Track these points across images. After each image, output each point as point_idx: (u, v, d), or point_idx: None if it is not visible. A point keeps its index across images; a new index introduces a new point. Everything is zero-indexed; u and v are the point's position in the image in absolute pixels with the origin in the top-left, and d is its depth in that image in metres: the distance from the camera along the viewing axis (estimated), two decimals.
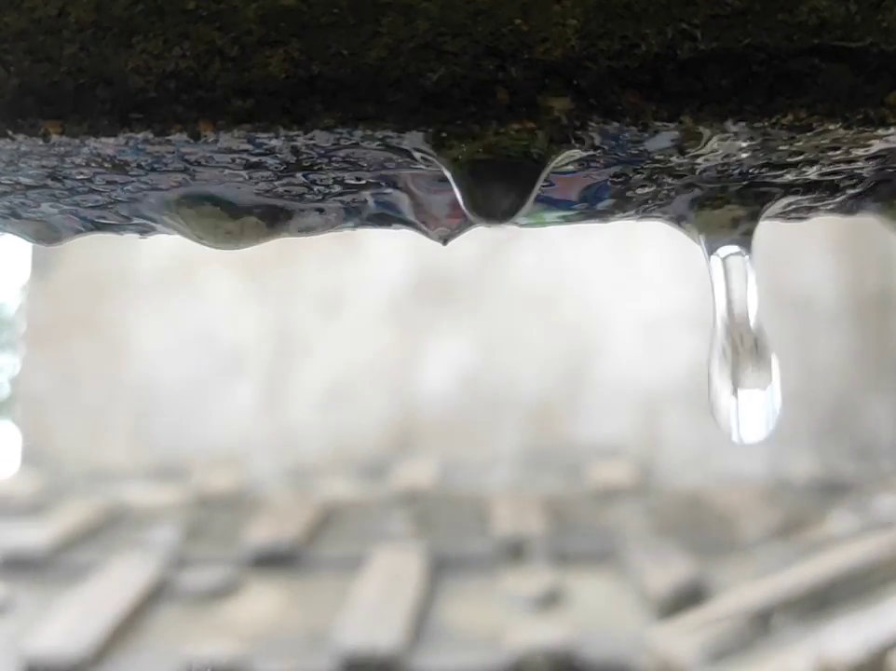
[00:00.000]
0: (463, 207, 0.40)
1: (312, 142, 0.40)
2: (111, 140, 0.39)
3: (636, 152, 0.41)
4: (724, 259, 0.47)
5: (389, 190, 0.44)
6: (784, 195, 0.46)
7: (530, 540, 3.80)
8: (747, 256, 0.47)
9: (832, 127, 0.39)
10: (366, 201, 0.46)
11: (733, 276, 0.47)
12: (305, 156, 0.41)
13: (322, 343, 5.12)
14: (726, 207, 0.46)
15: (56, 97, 0.39)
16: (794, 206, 0.48)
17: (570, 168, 0.42)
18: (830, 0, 0.38)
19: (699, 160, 0.42)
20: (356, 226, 0.48)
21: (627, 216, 0.48)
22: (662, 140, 0.40)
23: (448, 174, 0.40)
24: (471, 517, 4.22)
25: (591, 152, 0.41)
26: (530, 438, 4.99)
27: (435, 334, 5.09)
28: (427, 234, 0.47)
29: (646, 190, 0.45)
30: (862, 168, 0.43)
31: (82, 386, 5.18)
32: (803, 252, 5.08)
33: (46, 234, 0.48)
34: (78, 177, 0.43)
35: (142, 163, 0.41)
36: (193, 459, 4.94)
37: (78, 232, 0.49)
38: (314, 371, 5.10)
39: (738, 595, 2.94)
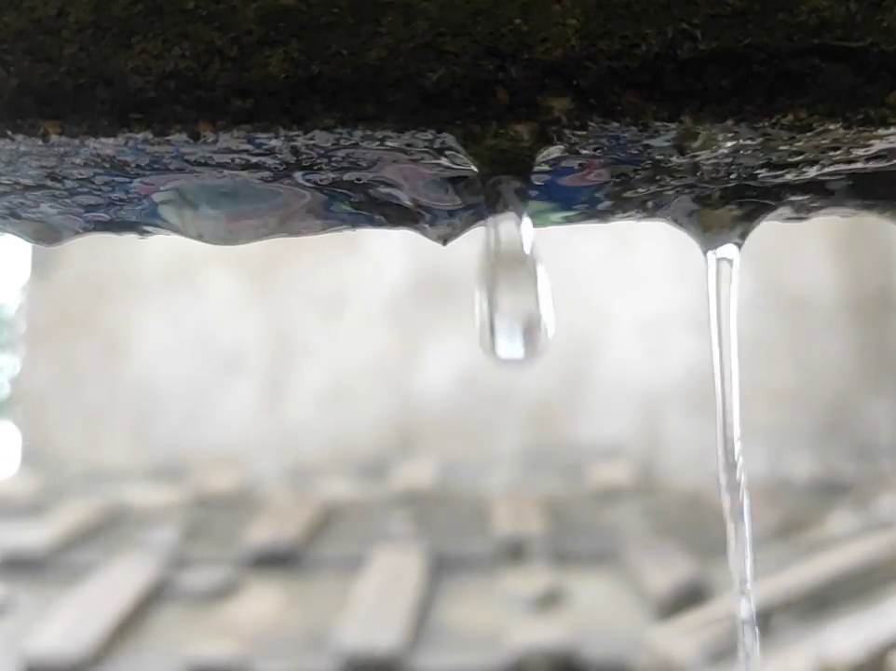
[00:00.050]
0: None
1: (312, 142, 0.40)
2: (110, 140, 0.39)
3: (636, 152, 0.41)
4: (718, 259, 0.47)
5: (389, 190, 0.44)
6: (785, 195, 0.46)
7: (530, 540, 3.80)
8: (737, 256, 0.47)
9: (832, 127, 0.39)
10: (366, 201, 0.46)
11: (724, 275, 0.47)
12: (304, 156, 0.41)
13: (322, 343, 5.12)
14: (727, 207, 0.46)
15: (55, 97, 0.39)
16: (794, 206, 0.48)
17: (570, 168, 0.42)
18: (830, 0, 0.38)
19: (700, 160, 0.42)
20: (355, 227, 0.48)
21: (627, 216, 0.48)
22: (662, 140, 0.40)
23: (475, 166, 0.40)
24: (471, 517, 4.22)
25: (592, 152, 0.41)
26: (530, 438, 4.99)
27: (435, 334, 5.09)
28: (426, 234, 0.47)
29: (647, 190, 0.45)
30: (863, 168, 0.43)
31: (82, 386, 5.18)
32: (802, 251, 5.08)
33: (45, 234, 0.48)
34: (78, 177, 0.43)
35: (142, 163, 0.41)
36: (193, 459, 4.95)
37: (78, 232, 0.48)
38: (314, 371, 5.10)
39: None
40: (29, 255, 5.42)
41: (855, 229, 4.91)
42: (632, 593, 3.35)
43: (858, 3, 0.38)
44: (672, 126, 0.39)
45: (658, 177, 0.44)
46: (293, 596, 3.47)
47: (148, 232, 0.48)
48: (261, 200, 0.45)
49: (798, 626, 2.60)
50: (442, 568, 3.58)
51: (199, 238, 0.46)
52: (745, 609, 0.48)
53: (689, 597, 3.13)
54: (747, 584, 0.47)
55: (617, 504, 4.39)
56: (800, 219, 0.50)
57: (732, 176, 0.44)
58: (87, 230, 0.48)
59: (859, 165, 0.43)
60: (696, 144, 0.40)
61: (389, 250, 5.06)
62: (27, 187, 0.44)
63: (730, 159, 0.42)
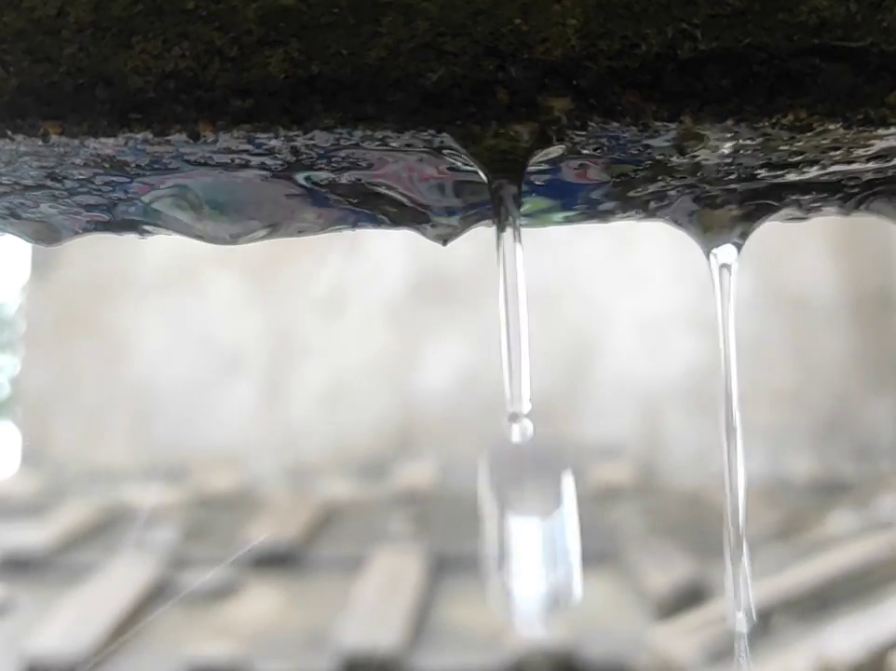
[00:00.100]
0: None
1: (312, 142, 0.40)
2: (110, 140, 0.39)
3: (636, 152, 0.41)
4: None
5: (389, 191, 0.44)
6: (785, 195, 0.46)
7: None
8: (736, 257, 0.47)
9: (832, 127, 0.39)
10: (366, 202, 0.46)
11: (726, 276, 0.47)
12: (304, 156, 0.41)
13: (322, 343, 5.12)
14: (727, 207, 0.46)
15: (55, 97, 0.39)
16: (794, 206, 0.48)
17: (570, 168, 0.42)
18: (830, 0, 0.38)
19: (700, 160, 0.42)
20: (355, 227, 0.48)
21: (628, 216, 0.48)
22: (662, 140, 0.40)
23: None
24: (471, 517, 4.21)
25: (592, 152, 0.41)
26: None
27: (435, 334, 5.09)
28: (426, 234, 0.47)
29: (647, 190, 0.45)
30: (863, 168, 0.43)
31: (82, 386, 5.18)
32: (802, 251, 5.08)
33: (45, 234, 0.48)
34: (78, 177, 0.43)
35: (142, 163, 0.41)
36: (193, 459, 4.94)
37: (78, 232, 0.48)
38: (314, 371, 5.10)
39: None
40: (29, 255, 5.42)
41: (855, 229, 4.91)
42: (632, 593, 3.35)
43: (858, 3, 0.38)
44: (672, 126, 0.39)
45: (658, 177, 0.44)
46: (293, 596, 3.47)
47: (148, 232, 0.48)
48: (260, 200, 0.45)
49: (798, 626, 2.60)
50: (442, 568, 3.58)
51: (199, 238, 0.46)
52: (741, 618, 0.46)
53: (689, 597, 3.13)
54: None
55: (617, 504, 4.39)
56: (800, 219, 0.50)
57: (732, 177, 0.44)
58: (87, 230, 0.48)
59: (859, 165, 0.43)
60: (696, 144, 0.40)
61: (389, 250, 5.06)
62: (27, 187, 0.44)
63: (730, 160, 0.42)
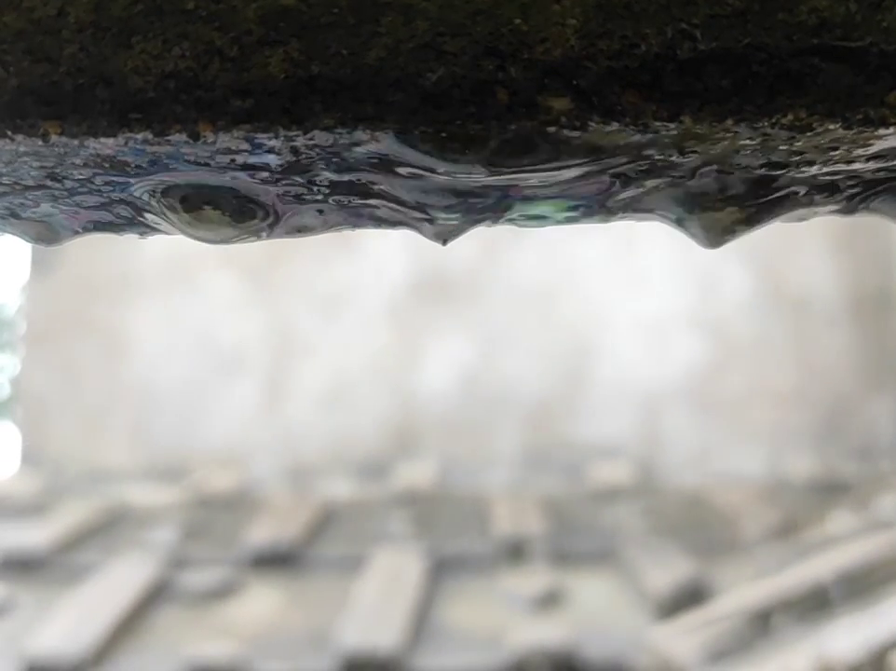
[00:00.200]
0: None
1: (312, 142, 0.40)
2: (110, 140, 0.39)
3: (636, 152, 0.41)
4: None
5: (389, 190, 0.44)
6: (785, 195, 0.46)
7: (530, 540, 3.80)
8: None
9: (832, 127, 0.39)
10: (366, 201, 0.46)
11: None
12: (304, 156, 0.41)
13: (322, 343, 5.12)
14: (727, 208, 0.46)
15: (55, 97, 0.39)
16: (795, 208, 0.48)
17: (570, 168, 0.42)
18: (830, 0, 0.38)
19: (700, 160, 0.42)
20: (355, 226, 0.48)
21: (627, 216, 0.48)
22: (662, 140, 0.40)
23: None
24: (471, 517, 4.22)
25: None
26: (530, 438, 4.99)
27: (435, 334, 5.09)
28: (426, 234, 0.47)
29: (647, 190, 0.45)
30: (863, 168, 0.43)
31: (82, 386, 5.18)
32: (802, 251, 5.08)
33: (45, 234, 0.48)
34: (78, 177, 0.43)
35: (142, 163, 0.41)
36: (193, 459, 4.94)
37: (78, 232, 0.48)
38: (314, 371, 5.10)
39: (738, 595, 2.94)
40: (29, 255, 5.42)
41: (855, 229, 4.91)
42: (632, 593, 3.35)
43: (858, 3, 0.38)
44: (672, 126, 0.39)
45: (658, 177, 0.44)
46: (293, 596, 3.47)
47: (148, 232, 0.48)
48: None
49: (798, 626, 2.60)
50: (442, 568, 3.58)
51: (198, 238, 0.46)
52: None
53: (689, 597, 3.13)
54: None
55: (617, 504, 4.39)
56: (800, 219, 0.50)
57: (732, 176, 0.44)
58: (87, 230, 0.48)
59: (859, 165, 0.43)
60: (696, 144, 0.40)
61: (389, 250, 5.06)
62: (27, 187, 0.44)
63: (730, 160, 0.42)
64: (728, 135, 0.40)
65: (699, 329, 5.04)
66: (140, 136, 0.39)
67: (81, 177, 0.43)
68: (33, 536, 3.91)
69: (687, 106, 0.39)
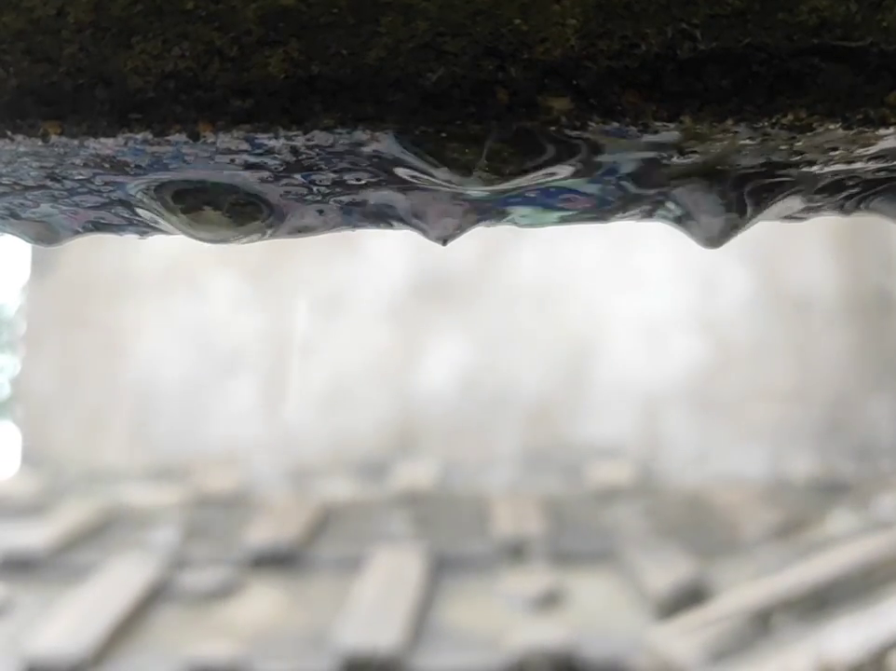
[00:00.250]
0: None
1: (311, 142, 0.40)
2: (110, 140, 0.39)
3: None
4: None
5: (389, 190, 0.44)
6: (785, 194, 0.46)
7: (530, 540, 3.80)
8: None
9: (832, 127, 0.39)
10: (366, 202, 0.46)
11: None
12: (304, 156, 0.41)
13: (322, 343, 5.12)
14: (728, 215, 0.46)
15: (55, 97, 0.39)
16: (794, 206, 0.48)
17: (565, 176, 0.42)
18: (830, 0, 0.38)
19: (700, 161, 0.42)
20: (355, 227, 0.48)
21: (627, 216, 0.48)
22: (662, 140, 0.40)
23: None
24: (471, 517, 4.22)
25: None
26: (530, 438, 4.99)
27: (435, 334, 5.09)
28: (426, 234, 0.47)
29: (647, 191, 0.45)
30: (863, 168, 0.43)
31: (82, 386, 5.18)
32: (802, 251, 5.08)
33: (45, 235, 0.48)
34: (77, 178, 0.43)
35: (142, 163, 0.41)
36: (193, 459, 4.94)
37: (78, 232, 0.48)
38: (314, 371, 5.10)
39: (738, 595, 2.94)
40: (29, 255, 5.42)
41: (855, 229, 4.91)
42: (632, 593, 3.35)
43: (858, 3, 0.38)
44: (672, 126, 0.39)
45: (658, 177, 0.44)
46: (293, 596, 3.47)
47: (148, 232, 0.48)
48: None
49: (798, 626, 2.60)
50: (442, 568, 3.58)
51: (198, 238, 0.46)
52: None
53: (689, 597, 3.13)
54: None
55: (617, 504, 4.39)
56: (800, 219, 0.50)
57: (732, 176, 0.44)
58: (87, 230, 0.48)
59: (859, 165, 0.43)
60: (696, 144, 0.40)
61: (389, 250, 5.06)
62: (27, 188, 0.44)
63: (730, 160, 0.42)
64: (728, 135, 0.40)
65: (698, 329, 5.04)
66: (140, 136, 0.39)
67: (81, 177, 0.43)
68: (32, 536, 3.91)
69: (687, 106, 0.39)
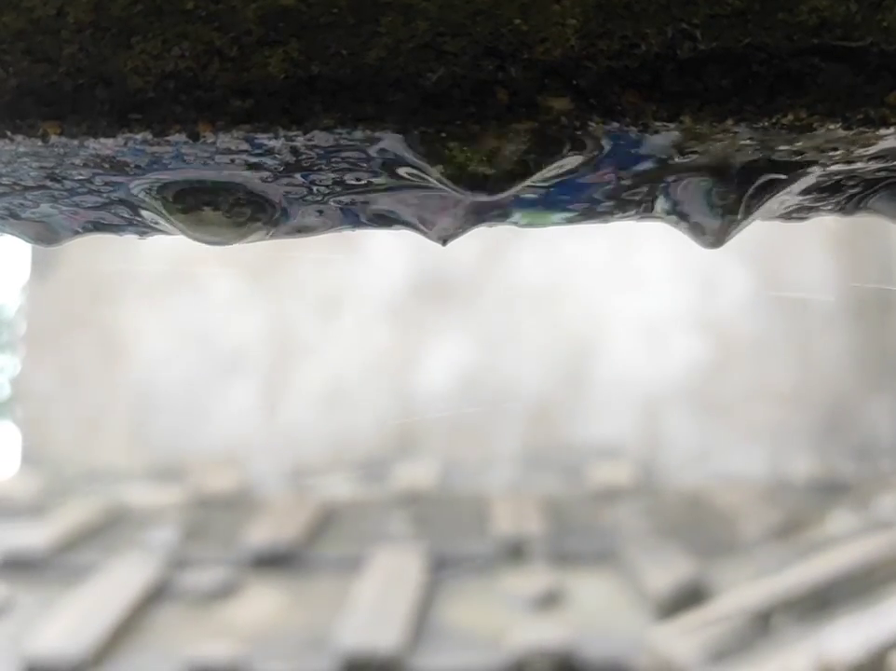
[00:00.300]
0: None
1: (311, 142, 0.40)
2: (110, 140, 0.39)
3: (636, 152, 0.41)
4: None
5: (389, 190, 0.44)
6: (784, 194, 0.46)
7: (530, 540, 3.80)
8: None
9: (832, 127, 0.39)
10: (366, 202, 0.46)
11: None
12: (304, 156, 0.41)
13: (322, 343, 5.12)
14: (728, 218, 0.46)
15: (55, 97, 0.39)
16: (794, 206, 0.48)
17: (570, 168, 0.42)
18: (830, 0, 0.38)
19: (700, 161, 0.42)
20: (355, 227, 0.48)
21: (627, 216, 0.48)
22: (662, 140, 0.40)
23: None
24: (471, 517, 4.22)
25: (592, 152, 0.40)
26: (530, 438, 4.99)
27: (435, 334, 5.09)
28: (426, 234, 0.47)
29: (647, 190, 0.45)
30: (863, 168, 0.43)
31: (82, 386, 5.18)
32: (802, 251, 5.08)
33: (45, 235, 0.48)
34: (77, 178, 0.43)
35: (142, 164, 0.41)
36: (192, 460, 4.94)
37: (77, 233, 0.48)
38: (314, 371, 5.10)
39: (738, 595, 2.94)
40: (29, 255, 5.42)
41: (855, 229, 4.91)
42: (632, 593, 3.35)
43: (858, 3, 0.38)
44: (672, 126, 0.39)
45: (658, 177, 0.44)
46: (293, 597, 3.47)
47: (148, 232, 0.48)
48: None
49: (798, 626, 2.60)
50: (442, 568, 3.58)
51: (197, 239, 0.46)
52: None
53: (689, 597, 3.13)
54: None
55: (617, 504, 4.39)
56: (800, 219, 0.50)
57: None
58: (87, 230, 0.48)
59: (859, 165, 0.43)
60: (696, 144, 0.40)
61: (389, 250, 5.06)
62: (27, 188, 0.44)
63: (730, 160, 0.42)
64: (728, 135, 0.40)
65: (698, 329, 5.04)
66: (139, 136, 0.39)
67: (81, 177, 0.43)
68: (33, 536, 3.91)
69: (687, 106, 0.39)
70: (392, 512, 4.30)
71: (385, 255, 5.08)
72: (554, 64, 0.38)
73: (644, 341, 5.05)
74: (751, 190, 0.43)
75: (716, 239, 0.46)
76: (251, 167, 0.42)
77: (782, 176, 0.43)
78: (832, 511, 3.92)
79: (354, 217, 0.47)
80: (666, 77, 0.38)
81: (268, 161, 0.41)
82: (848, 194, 0.47)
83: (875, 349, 5.08)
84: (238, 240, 0.46)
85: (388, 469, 4.88)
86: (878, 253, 5.13)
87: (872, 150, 0.41)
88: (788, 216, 0.49)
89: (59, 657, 2.87)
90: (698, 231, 0.46)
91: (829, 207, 0.48)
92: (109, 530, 4.16)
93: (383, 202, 0.45)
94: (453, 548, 3.78)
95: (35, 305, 5.43)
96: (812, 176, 0.44)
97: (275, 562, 3.74)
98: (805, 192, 0.46)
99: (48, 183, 0.43)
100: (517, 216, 0.47)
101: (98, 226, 0.48)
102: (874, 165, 0.43)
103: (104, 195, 0.44)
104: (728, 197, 0.43)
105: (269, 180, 0.43)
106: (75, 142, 0.39)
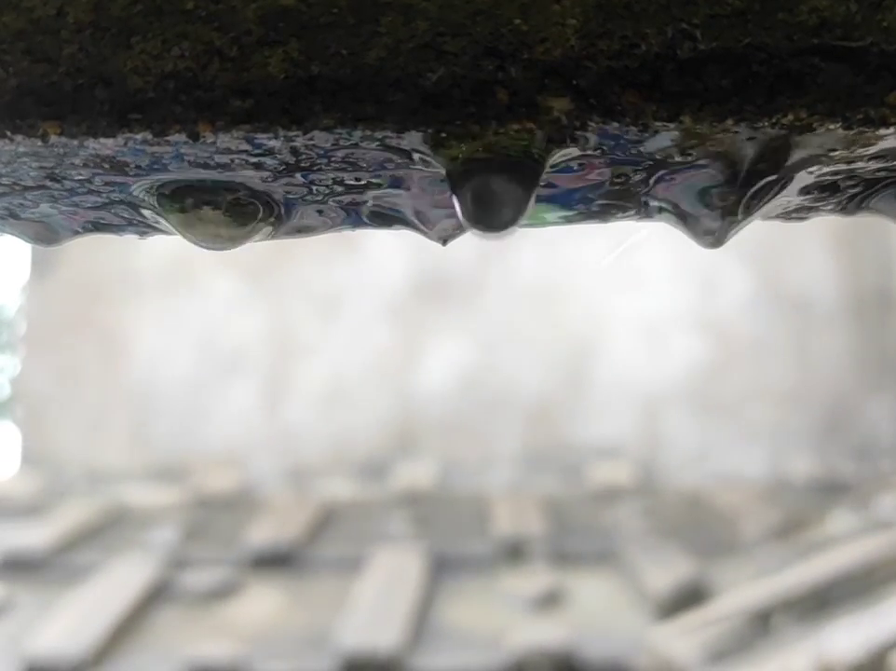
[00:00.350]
0: (461, 217, 0.39)
1: (311, 142, 0.40)
2: (110, 141, 0.39)
3: (636, 152, 0.41)
4: None
5: (389, 190, 0.44)
6: (783, 194, 0.46)
7: (530, 540, 3.80)
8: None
9: (832, 127, 0.39)
10: (366, 202, 0.46)
11: None
12: (304, 156, 0.41)
13: (322, 343, 5.12)
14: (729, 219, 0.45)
15: (55, 97, 0.39)
16: (794, 206, 0.48)
17: (570, 168, 0.42)
18: (830, 0, 0.38)
19: (700, 160, 0.42)
20: (355, 227, 0.48)
21: (627, 216, 0.48)
22: (662, 140, 0.40)
23: (447, 181, 0.39)
24: (471, 517, 4.22)
25: (592, 152, 0.40)
26: (530, 438, 4.99)
27: (435, 334, 5.09)
28: (426, 234, 0.47)
29: (646, 190, 0.45)
30: (863, 168, 0.43)
31: (82, 386, 5.18)
32: (802, 251, 5.08)
33: (45, 235, 0.48)
34: (77, 178, 0.43)
35: (142, 164, 0.41)
36: (193, 460, 4.95)
37: (77, 233, 0.48)
38: (314, 371, 5.10)
39: (738, 595, 2.94)
40: (29, 256, 5.42)
41: (855, 229, 4.91)
42: (632, 593, 3.35)
43: (858, 3, 0.38)
44: (672, 126, 0.39)
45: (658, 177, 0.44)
46: (293, 596, 3.47)
47: (148, 232, 0.48)
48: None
49: (798, 626, 2.60)
50: (442, 568, 3.58)
51: (199, 240, 0.46)
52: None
53: (689, 597, 3.13)
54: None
55: (617, 504, 4.39)
56: (800, 219, 0.50)
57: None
58: (86, 230, 0.48)
59: (859, 165, 0.43)
60: (696, 144, 0.40)
61: (389, 250, 5.06)
62: (26, 188, 0.44)
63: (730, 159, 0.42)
64: (728, 135, 0.40)
65: (698, 329, 5.04)
66: (139, 136, 0.39)
67: (80, 177, 0.43)
68: (33, 536, 3.91)
69: (687, 106, 0.39)
70: (392, 512, 4.30)
71: (385, 255, 5.08)
72: (554, 64, 0.38)
73: (645, 341, 5.05)
74: (751, 191, 0.43)
75: (716, 240, 0.46)
76: (251, 167, 0.42)
77: (782, 177, 0.43)
78: (832, 511, 3.92)
79: (354, 217, 0.47)
80: (666, 77, 0.38)
81: (268, 161, 0.41)
82: (849, 194, 0.47)
83: (875, 349, 5.08)
84: (238, 240, 0.45)
85: (388, 469, 4.88)
86: (878, 253, 5.13)
87: (872, 150, 0.41)
88: (788, 216, 0.49)
89: (59, 657, 2.87)
90: (698, 231, 0.46)
91: (829, 207, 0.48)
92: (109, 530, 4.16)
93: (383, 202, 0.45)
94: (453, 548, 3.78)
95: (35, 305, 5.43)
96: (812, 176, 0.44)
97: (275, 562, 3.74)
98: (805, 192, 0.46)
99: (48, 183, 0.43)
100: None
101: (98, 226, 0.48)
102: (874, 165, 0.43)
103: (104, 195, 0.44)
104: (728, 197, 0.43)
105: (269, 180, 0.43)
106: (75, 142, 0.39)
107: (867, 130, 0.39)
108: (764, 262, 5.00)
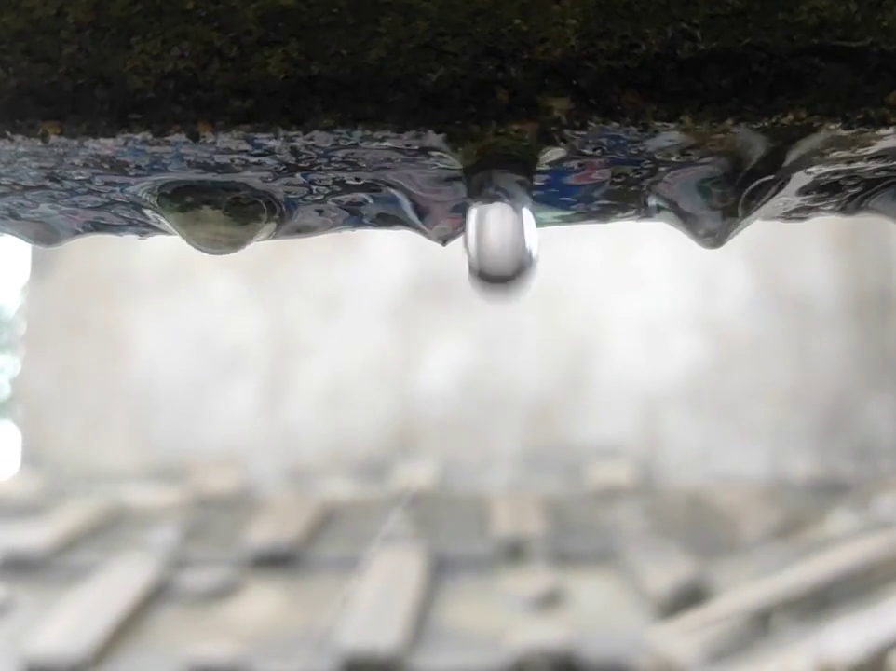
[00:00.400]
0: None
1: (311, 142, 0.40)
2: (109, 141, 0.39)
3: (636, 152, 0.41)
4: None
5: (389, 190, 0.44)
6: (783, 193, 0.46)
7: (530, 540, 3.80)
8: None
9: (832, 127, 0.39)
10: (366, 202, 0.46)
11: None
12: (304, 156, 0.41)
13: (322, 343, 5.12)
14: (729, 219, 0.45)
15: (54, 98, 0.39)
16: (794, 206, 0.48)
17: (570, 168, 0.42)
18: (830, 0, 0.38)
19: (700, 160, 0.42)
20: (355, 227, 0.48)
21: (627, 216, 0.48)
22: (662, 140, 0.40)
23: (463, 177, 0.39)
24: (471, 517, 4.22)
25: (592, 152, 0.40)
26: (530, 438, 4.99)
27: (435, 334, 5.09)
28: (426, 234, 0.47)
29: (646, 190, 0.45)
30: (863, 168, 0.43)
31: (82, 386, 5.18)
32: (802, 251, 5.08)
33: (45, 235, 0.48)
34: (77, 178, 0.43)
35: (142, 164, 0.41)
36: (193, 460, 4.94)
37: (77, 233, 0.48)
38: (314, 371, 5.10)
39: (738, 596, 2.94)
40: (29, 255, 5.42)
41: (855, 229, 4.91)
42: (632, 593, 3.35)
43: (858, 3, 0.38)
44: (672, 126, 0.39)
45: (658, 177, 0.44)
46: (293, 596, 3.47)
47: (148, 232, 0.48)
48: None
49: (798, 626, 2.60)
50: (442, 568, 3.58)
51: (199, 240, 0.46)
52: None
53: (689, 597, 3.13)
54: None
55: (617, 504, 4.39)
56: (800, 219, 0.50)
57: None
58: (86, 230, 0.48)
59: (859, 165, 0.43)
60: (696, 144, 0.40)
61: (389, 250, 5.06)
62: (27, 188, 0.44)
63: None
64: (728, 135, 0.40)
65: (699, 329, 5.04)
66: (139, 136, 0.39)
67: (80, 177, 0.43)
68: (32, 536, 3.91)
69: (687, 106, 0.39)
70: (392, 512, 4.30)
71: (385, 255, 5.08)
72: (554, 64, 0.38)
73: (645, 341, 5.05)
74: (750, 191, 0.43)
75: (716, 240, 0.46)
76: (252, 167, 0.42)
77: (780, 178, 0.43)
78: (832, 511, 3.92)
79: (354, 217, 0.47)
80: (666, 77, 0.38)
81: (268, 161, 0.41)
82: (849, 194, 0.47)
83: (875, 349, 5.08)
84: (238, 241, 0.45)
85: (388, 469, 4.88)
86: (878, 253, 5.13)
87: (872, 150, 0.41)
88: (788, 216, 0.49)
89: (59, 657, 2.87)
90: (698, 231, 0.46)
91: (829, 207, 0.48)
92: (109, 530, 4.16)
93: (383, 201, 0.45)
94: (453, 548, 3.78)
95: (35, 305, 5.43)
96: (810, 176, 0.44)
97: (275, 562, 3.74)
98: (805, 192, 0.46)
99: (48, 183, 0.43)
100: None
101: (98, 226, 0.48)
102: (874, 165, 0.43)
103: (104, 195, 0.44)
104: (728, 198, 0.43)
105: (269, 180, 0.43)
106: (75, 142, 0.39)
107: (867, 129, 0.39)
108: (764, 262, 4.99)
